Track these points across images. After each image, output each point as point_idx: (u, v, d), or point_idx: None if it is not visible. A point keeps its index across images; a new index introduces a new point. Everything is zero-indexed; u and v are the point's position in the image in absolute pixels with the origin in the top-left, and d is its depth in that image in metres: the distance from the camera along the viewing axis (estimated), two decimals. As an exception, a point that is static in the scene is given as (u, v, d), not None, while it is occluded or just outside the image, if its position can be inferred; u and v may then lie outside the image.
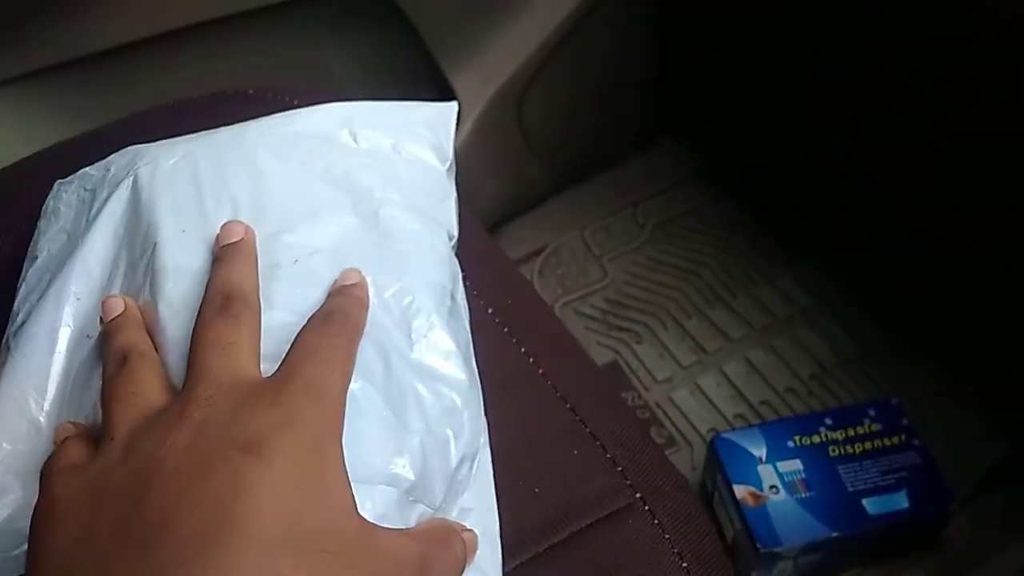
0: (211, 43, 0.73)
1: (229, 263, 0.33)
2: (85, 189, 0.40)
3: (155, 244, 0.35)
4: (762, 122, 0.91)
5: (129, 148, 0.40)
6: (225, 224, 0.34)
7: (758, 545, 0.64)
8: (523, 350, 0.46)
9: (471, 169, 0.84)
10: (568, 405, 0.44)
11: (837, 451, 0.68)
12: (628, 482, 0.41)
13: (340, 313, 0.31)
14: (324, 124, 0.41)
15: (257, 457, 0.25)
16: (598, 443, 0.42)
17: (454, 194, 0.42)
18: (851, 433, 0.69)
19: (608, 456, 0.42)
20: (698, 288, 0.89)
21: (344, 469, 0.27)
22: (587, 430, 0.43)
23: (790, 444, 0.69)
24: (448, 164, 0.44)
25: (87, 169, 0.41)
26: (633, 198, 0.96)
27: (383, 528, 0.28)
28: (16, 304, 0.37)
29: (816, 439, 0.69)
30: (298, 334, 0.30)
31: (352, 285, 0.34)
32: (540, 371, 0.45)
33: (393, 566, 0.27)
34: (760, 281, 0.89)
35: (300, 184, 0.37)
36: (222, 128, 0.41)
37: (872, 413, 0.70)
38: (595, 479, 0.40)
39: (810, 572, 0.68)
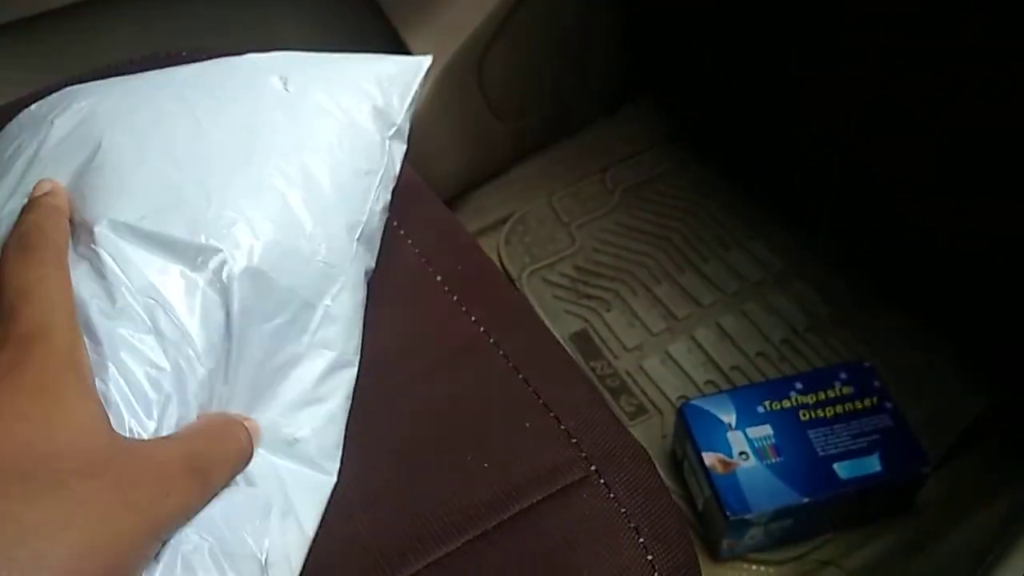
0: (152, 5, 0.70)
1: (33, 210, 0.32)
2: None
3: None
4: (733, 83, 0.88)
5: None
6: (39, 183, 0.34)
7: (727, 512, 0.63)
8: (473, 319, 0.44)
9: (430, 135, 0.81)
10: (520, 375, 0.42)
11: (808, 415, 0.67)
12: (583, 454, 0.39)
13: (37, 233, 0.31)
14: (257, 70, 0.38)
15: None
16: (552, 414, 0.40)
17: (386, 168, 0.39)
18: (822, 397, 0.68)
19: (562, 428, 0.40)
20: (668, 254, 0.87)
21: (89, 392, 0.28)
22: (540, 401, 0.41)
23: (760, 409, 0.67)
24: (392, 130, 0.41)
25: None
26: (602, 163, 0.94)
27: (144, 439, 0.29)
28: None
29: (786, 404, 0.68)
30: (2, 265, 0.30)
31: (45, 195, 0.33)
32: (491, 340, 0.43)
33: (152, 470, 0.27)
34: (731, 245, 0.87)
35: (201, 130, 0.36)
36: (153, 72, 0.38)
37: (843, 376, 0.69)
38: (548, 452, 0.38)
39: (782, 538, 0.67)
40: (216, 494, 0.30)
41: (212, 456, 0.30)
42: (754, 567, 0.68)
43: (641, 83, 0.97)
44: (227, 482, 0.31)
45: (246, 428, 0.32)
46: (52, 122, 0.37)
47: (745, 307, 0.82)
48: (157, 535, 0.27)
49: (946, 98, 0.66)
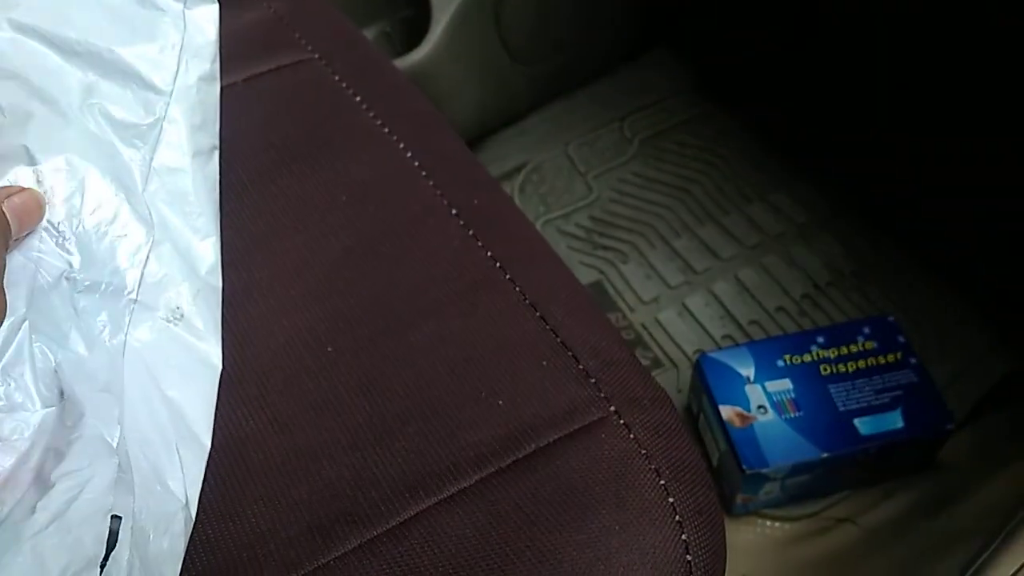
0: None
1: None
2: None
3: None
4: (755, 30, 0.85)
5: None
6: None
7: (744, 466, 0.61)
8: (489, 254, 0.42)
9: (446, 78, 0.78)
10: (538, 313, 0.40)
11: (829, 370, 0.65)
12: (602, 394, 0.37)
13: None
14: None
15: None
16: (570, 353, 0.38)
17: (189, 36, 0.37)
18: (844, 351, 0.66)
19: (580, 367, 0.38)
20: (688, 205, 0.84)
21: None
22: (558, 340, 0.39)
23: (779, 363, 0.65)
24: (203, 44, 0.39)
25: None
26: (620, 111, 0.91)
27: None
28: None
29: (807, 358, 0.66)
30: None
31: None
32: (507, 276, 0.41)
33: None
34: (753, 198, 0.84)
35: None
36: None
37: (867, 331, 0.67)
38: (565, 391, 0.37)
39: (797, 494, 0.65)
40: None
41: None
42: (768, 523, 0.66)
43: (661, 30, 0.94)
44: None
45: (10, 205, 0.32)
46: None
47: (765, 260, 0.80)
48: None
49: (977, 42, 0.63)
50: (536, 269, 0.43)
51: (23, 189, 0.33)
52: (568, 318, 0.40)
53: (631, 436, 0.35)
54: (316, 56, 0.53)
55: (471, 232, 0.43)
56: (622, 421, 0.36)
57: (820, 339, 0.67)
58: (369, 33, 0.84)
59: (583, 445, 0.35)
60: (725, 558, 0.34)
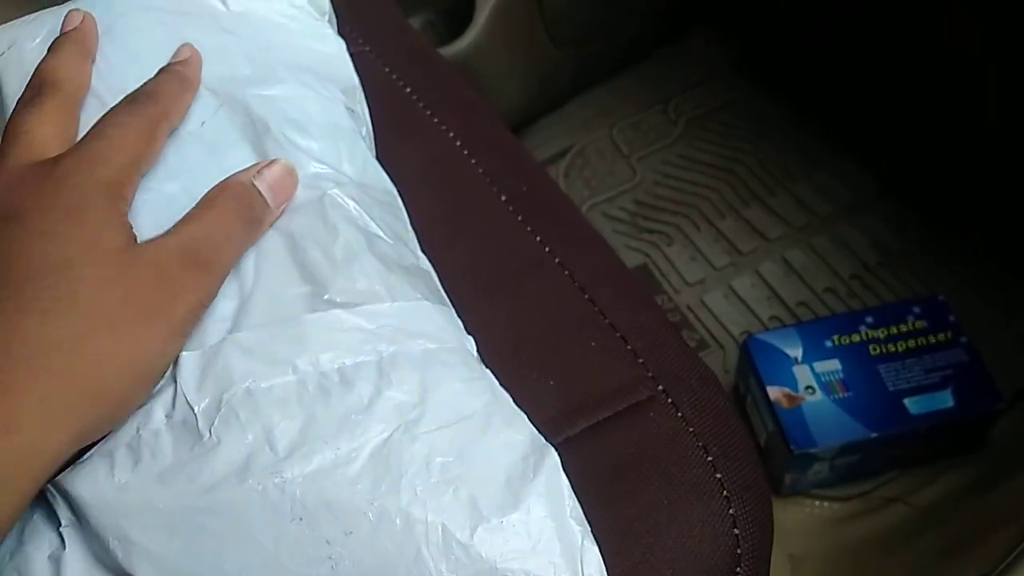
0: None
1: (53, 52, 0.33)
2: None
3: None
4: (799, 10, 0.84)
5: None
6: (69, 12, 0.35)
7: (792, 446, 0.61)
8: (538, 239, 0.43)
9: (490, 65, 0.79)
10: (586, 296, 0.41)
11: (878, 350, 0.65)
12: (649, 374, 0.38)
13: (146, 95, 0.32)
14: None
15: (13, 222, 0.27)
16: (618, 334, 0.39)
17: (341, 43, 0.41)
18: (894, 331, 0.66)
19: (628, 348, 0.39)
20: (733, 186, 0.84)
21: (116, 212, 0.28)
22: (606, 321, 0.40)
23: (828, 344, 0.66)
24: (327, 16, 0.43)
25: None
26: (664, 93, 0.91)
27: (148, 241, 0.29)
28: None
29: (856, 338, 0.66)
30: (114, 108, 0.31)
31: (178, 63, 0.34)
32: (556, 260, 0.42)
33: (155, 277, 0.27)
34: (799, 177, 0.84)
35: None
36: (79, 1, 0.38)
37: (916, 310, 0.67)
38: (614, 371, 0.38)
39: (846, 474, 0.66)
40: (227, 273, 0.30)
41: (212, 241, 0.29)
42: (817, 503, 0.67)
43: (705, 11, 0.93)
44: (238, 256, 0.30)
45: (256, 189, 0.31)
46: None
47: (813, 241, 0.80)
48: (176, 335, 0.28)
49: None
50: (583, 252, 0.44)
51: (272, 162, 0.32)
52: (616, 300, 0.41)
53: (679, 414, 0.36)
54: (367, 49, 0.54)
55: (520, 217, 0.44)
56: (670, 400, 0.37)
57: (869, 319, 0.67)
58: (414, 23, 0.85)
59: (632, 423, 0.36)
60: (772, 532, 0.35)
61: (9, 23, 0.37)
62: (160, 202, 0.31)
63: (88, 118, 0.32)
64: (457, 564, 0.26)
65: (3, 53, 0.36)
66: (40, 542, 0.26)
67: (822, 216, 0.81)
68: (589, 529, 0.28)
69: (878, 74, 0.80)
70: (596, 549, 0.27)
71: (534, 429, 0.30)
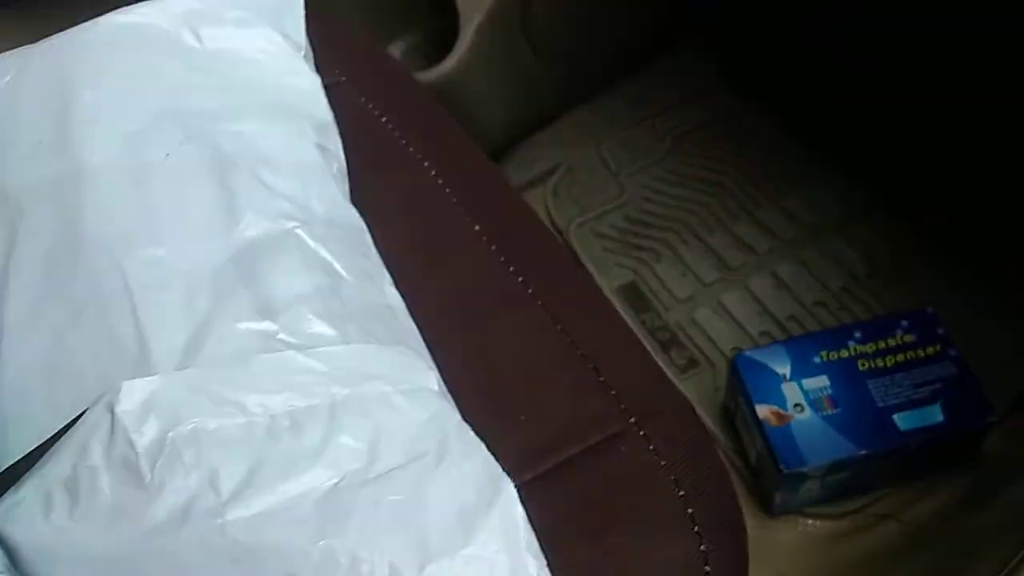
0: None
1: None
2: None
3: None
4: (789, 22, 0.84)
5: None
6: None
7: (781, 466, 0.61)
8: (512, 269, 0.43)
9: (475, 87, 0.79)
10: (559, 327, 0.41)
11: (867, 365, 0.65)
12: (622, 406, 0.38)
13: None
14: (165, 21, 0.38)
15: None
16: (591, 366, 0.39)
17: (316, 79, 0.41)
18: (882, 345, 0.65)
19: (601, 379, 0.39)
20: (721, 201, 0.84)
21: None
22: (579, 352, 0.40)
23: (816, 360, 0.65)
24: (303, 52, 0.42)
25: None
26: (652, 109, 0.91)
27: None
28: None
29: (844, 353, 0.65)
30: None
31: None
32: (530, 291, 0.42)
33: None
34: (787, 191, 0.84)
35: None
36: (55, 37, 0.38)
37: (905, 324, 0.66)
38: (586, 405, 0.38)
39: (838, 492, 0.65)
40: None
41: None
42: (809, 521, 0.66)
43: (690, 26, 0.93)
44: None
45: None
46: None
47: (803, 254, 0.80)
48: None
49: (1008, 38, 0.62)
50: (559, 283, 0.44)
51: None
52: (589, 330, 0.41)
53: (650, 447, 0.36)
54: (344, 79, 0.54)
55: (494, 247, 0.44)
56: (642, 433, 0.37)
57: (857, 334, 0.66)
58: (400, 46, 0.85)
59: (603, 458, 0.36)
60: (747, 567, 0.35)
61: None
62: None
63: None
64: None
65: None
66: None
67: (811, 229, 0.81)
68: (545, 563, 0.28)
69: (866, 87, 0.80)
70: None
71: (492, 460, 0.30)
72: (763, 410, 0.64)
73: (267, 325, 0.30)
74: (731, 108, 0.90)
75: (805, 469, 0.62)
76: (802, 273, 0.79)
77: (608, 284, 0.80)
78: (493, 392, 0.38)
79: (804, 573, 0.63)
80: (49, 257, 0.31)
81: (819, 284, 0.78)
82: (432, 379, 0.32)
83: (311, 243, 0.34)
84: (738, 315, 0.77)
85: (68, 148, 0.34)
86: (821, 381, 0.65)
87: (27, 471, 0.26)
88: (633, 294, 0.79)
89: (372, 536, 0.26)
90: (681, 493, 0.35)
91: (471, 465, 0.29)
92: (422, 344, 0.35)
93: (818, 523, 0.66)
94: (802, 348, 0.66)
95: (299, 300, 0.31)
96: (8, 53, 0.39)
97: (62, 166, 0.34)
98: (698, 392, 0.72)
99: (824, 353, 0.66)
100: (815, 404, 0.64)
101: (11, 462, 0.26)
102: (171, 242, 0.32)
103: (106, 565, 0.25)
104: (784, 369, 0.65)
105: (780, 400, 0.64)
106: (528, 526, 0.28)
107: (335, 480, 0.27)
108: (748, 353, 0.66)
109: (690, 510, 0.34)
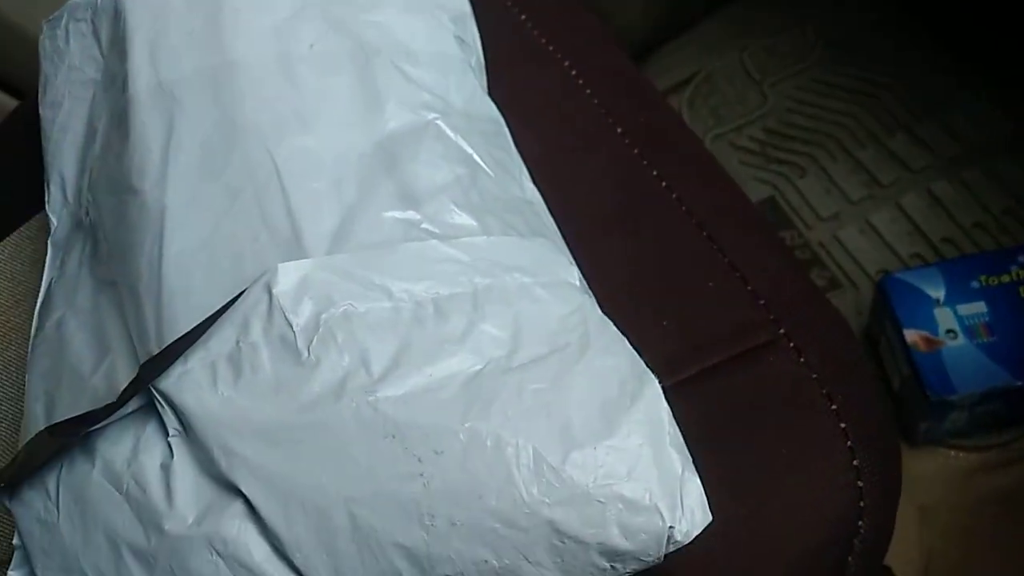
0: None
1: None
2: (76, 20, 0.38)
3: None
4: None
5: None
6: None
7: (928, 392, 0.58)
8: (655, 173, 0.41)
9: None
10: (705, 233, 0.39)
11: (1032, 292, 0.60)
12: (771, 317, 0.36)
13: None
14: None
15: None
16: (738, 274, 0.38)
17: None
18: (1051, 272, 0.60)
19: (749, 288, 0.37)
20: (875, 114, 0.78)
21: None
22: (726, 260, 0.38)
23: (974, 284, 0.61)
24: None
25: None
26: (802, 12, 0.85)
27: None
28: (49, 156, 0.36)
29: (1006, 278, 0.60)
30: None
31: None
32: (674, 196, 0.40)
33: None
34: (950, 105, 0.77)
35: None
36: None
37: (1079, 249, 0.61)
38: (732, 312, 0.36)
39: (988, 423, 0.61)
40: None
41: None
42: (952, 453, 0.63)
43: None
44: None
45: None
46: None
47: (963, 173, 0.73)
48: None
49: None
50: (704, 188, 0.42)
51: None
52: (737, 238, 0.39)
53: (801, 359, 0.34)
54: (482, -25, 0.52)
55: (636, 151, 0.42)
56: (792, 344, 0.35)
57: (1022, 258, 0.61)
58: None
59: (750, 367, 0.34)
60: (900, 486, 0.33)
61: None
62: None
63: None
64: (548, 488, 0.26)
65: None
66: (153, 451, 0.28)
67: (975, 146, 0.75)
68: (691, 461, 0.27)
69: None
70: (698, 481, 0.27)
71: (636, 357, 0.29)
72: (912, 335, 0.60)
73: (411, 214, 0.30)
74: (890, 14, 0.83)
75: (954, 397, 0.58)
76: (962, 192, 0.73)
77: (746, 199, 0.76)
78: (634, 295, 0.36)
79: (944, 506, 0.61)
80: (206, 144, 0.32)
81: (980, 205, 0.72)
82: (574, 274, 0.32)
83: (451, 134, 0.33)
84: (887, 235, 0.72)
85: (220, 38, 0.34)
86: (978, 307, 0.60)
87: (190, 344, 0.27)
88: (772, 210, 0.76)
89: (516, 421, 0.26)
90: (834, 407, 0.33)
91: (614, 360, 0.28)
92: (562, 240, 0.35)
93: (961, 455, 0.63)
94: (959, 271, 0.61)
95: (441, 190, 0.31)
96: None
97: (214, 56, 0.34)
98: (838, 314, 0.69)
99: (984, 277, 0.61)
100: (970, 331, 0.60)
101: (177, 335, 0.27)
102: (319, 131, 0.32)
103: (268, 434, 0.26)
104: (938, 293, 0.61)
105: (931, 325, 0.60)
106: (673, 422, 0.27)
107: (479, 366, 0.27)
108: (898, 275, 0.62)
109: (843, 424, 0.32)
